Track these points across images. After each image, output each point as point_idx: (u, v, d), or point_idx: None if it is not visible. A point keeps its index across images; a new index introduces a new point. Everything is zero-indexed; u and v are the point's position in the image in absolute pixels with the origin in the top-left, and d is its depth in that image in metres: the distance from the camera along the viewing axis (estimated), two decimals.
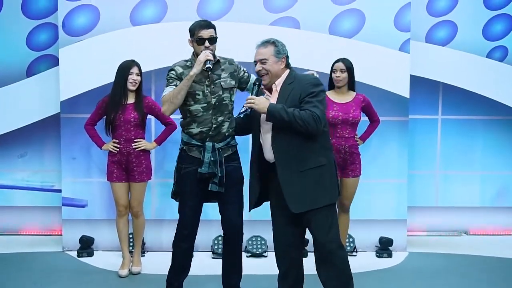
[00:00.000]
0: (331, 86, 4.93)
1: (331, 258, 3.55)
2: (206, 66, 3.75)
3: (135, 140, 4.76)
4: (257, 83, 3.66)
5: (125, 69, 4.70)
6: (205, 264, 5.05)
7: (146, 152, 4.83)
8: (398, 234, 5.53)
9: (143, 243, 5.23)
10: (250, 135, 3.90)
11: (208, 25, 3.87)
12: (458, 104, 5.97)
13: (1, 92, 5.73)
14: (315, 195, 3.52)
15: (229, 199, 3.95)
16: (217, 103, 3.86)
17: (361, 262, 5.18)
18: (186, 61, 3.95)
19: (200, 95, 3.86)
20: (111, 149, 4.77)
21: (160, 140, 4.92)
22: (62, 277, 4.77)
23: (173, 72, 3.88)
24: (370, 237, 5.53)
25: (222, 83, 3.90)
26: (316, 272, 3.66)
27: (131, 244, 5.16)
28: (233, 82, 3.96)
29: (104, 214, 5.48)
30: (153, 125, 5.41)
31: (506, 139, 6.07)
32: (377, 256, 5.42)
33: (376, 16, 5.43)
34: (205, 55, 3.76)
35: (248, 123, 3.86)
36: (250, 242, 5.36)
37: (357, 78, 5.06)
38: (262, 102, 3.51)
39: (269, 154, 3.63)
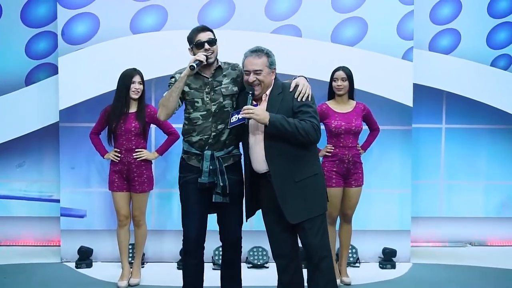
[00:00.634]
0: (331, 95, 4.96)
1: (321, 264, 3.65)
2: (190, 64, 3.69)
3: (136, 150, 4.82)
4: (251, 93, 3.67)
5: (127, 77, 4.76)
6: (205, 276, 5.04)
7: (148, 162, 4.88)
8: (402, 245, 5.55)
9: (143, 254, 5.25)
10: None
11: (205, 28, 3.90)
12: (462, 113, 6.03)
13: (0, 101, 5.79)
14: (310, 204, 3.65)
15: (229, 211, 3.91)
16: (217, 111, 3.83)
17: (364, 274, 5.21)
18: None
19: (199, 102, 3.84)
20: (112, 158, 4.83)
21: (162, 150, 4.96)
22: None
23: (173, 79, 3.87)
24: (373, 248, 5.57)
25: (223, 90, 3.86)
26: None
27: (131, 255, 5.21)
28: (235, 89, 3.89)
29: (103, 225, 5.52)
30: (154, 135, 5.45)
31: (511, 148, 6.11)
32: (380, 267, 5.45)
33: (379, 24, 5.49)
34: (196, 55, 3.75)
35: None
36: (251, 253, 5.41)
37: (360, 86, 5.11)
38: (262, 113, 3.55)
39: (259, 165, 3.70)
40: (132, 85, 4.75)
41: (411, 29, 5.50)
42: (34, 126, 5.82)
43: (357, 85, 4.98)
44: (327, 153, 4.86)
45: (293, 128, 3.53)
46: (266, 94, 3.70)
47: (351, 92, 4.93)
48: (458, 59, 5.95)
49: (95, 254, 5.49)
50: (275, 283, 3.96)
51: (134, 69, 4.82)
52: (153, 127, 5.29)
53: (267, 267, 5.36)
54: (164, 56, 5.33)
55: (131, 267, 5.01)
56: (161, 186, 5.45)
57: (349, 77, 4.88)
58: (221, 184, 3.81)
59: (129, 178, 4.84)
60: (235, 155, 3.94)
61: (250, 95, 3.67)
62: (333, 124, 4.82)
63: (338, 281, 4.87)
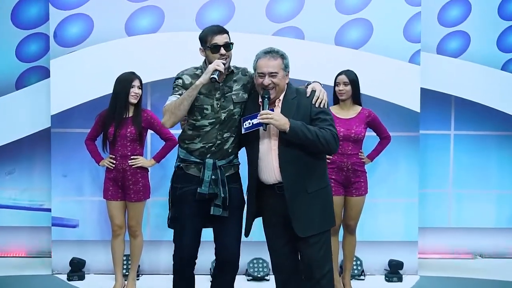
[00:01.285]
0: (336, 100, 4.94)
1: (323, 281, 3.62)
2: (211, 76, 3.58)
3: (132, 157, 4.83)
4: (266, 96, 3.58)
5: (127, 82, 4.77)
6: None
7: (144, 169, 4.89)
8: (409, 257, 5.55)
9: (138, 266, 5.23)
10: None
11: (222, 30, 3.77)
12: (471, 118, 6.04)
13: None
14: (322, 217, 3.63)
15: (228, 226, 3.80)
16: (226, 119, 3.73)
17: (369, 287, 5.21)
18: (196, 68, 3.81)
19: (208, 109, 3.71)
20: (107, 165, 4.84)
21: (159, 157, 4.97)
22: None
23: (180, 80, 3.74)
24: (379, 260, 5.57)
25: (234, 97, 3.76)
26: None
27: (125, 267, 5.21)
28: (245, 96, 3.80)
29: (97, 235, 5.52)
30: (149, 141, 5.45)
31: None
32: (386, 280, 5.45)
33: (385, 26, 5.50)
34: (215, 64, 3.61)
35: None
36: (251, 265, 5.40)
37: (365, 91, 5.12)
38: (282, 118, 3.48)
39: (268, 175, 3.63)
40: (131, 90, 4.77)
41: (418, 31, 5.52)
42: (25, 132, 5.83)
43: (361, 90, 4.96)
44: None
45: (314, 136, 3.48)
46: (280, 99, 3.65)
47: (356, 97, 4.91)
48: (467, 63, 5.97)
49: (87, 266, 5.48)
50: None
51: (133, 73, 4.84)
52: (149, 132, 5.26)
53: (268, 280, 5.36)
54: (161, 59, 5.35)
55: (125, 280, 5.02)
56: (157, 195, 5.42)
57: (352, 82, 4.86)
58: (222, 195, 3.71)
59: (124, 186, 4.84)
60: (235, 165, 3.87)
61: (266, 99, 3.56)
62: None
63: None
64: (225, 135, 3.75)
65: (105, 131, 4.82)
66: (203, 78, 3.61)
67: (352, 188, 4.87)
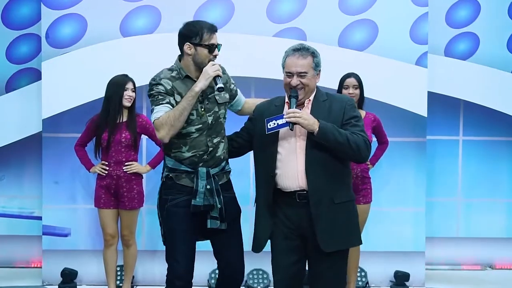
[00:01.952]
0: None
1: None
2: (218, 86, 3.45)
3: (126, 163, 4.84)
4: (294, 95, 3.43)
5: (120, 85, 4.79)
6: None
7: (138, 176, 4.91)
8: (416, 268, 5.56)
9: (132, 277, 5.23)
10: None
11: (216, 28, 3.62)
12: (481, 123, 6.05)
13: None
14: (348, 233, 3.46)
15: (229, 239, 3.66)
16: (213, 122, 3.60)
17: None
18: (171, 70, 3.61)
19: (193, 115, 3.55)
20: (98, 172, 4.86)
21: (154, 163, 4.99)
22: None
23: (161, 87, 3.52)
24: (384, 271, 5.57)
25: (217, 97, 3.62)
26: None
27: (119, 277, 5.22)
28: (227, 96, 3.70)
29: (89, 245, 5.52)
30: (145, 146, 5.47)
31: None
32: None
33: (390, 27, 5.52)
34: (214, 69, 3.48)
35: (249, 142, 3.68)
36: (250, 276, 5.43)
37: (369, 94, 5.14)
38: (311, 117, 3.32)
39: (291, 180, 3.41)
40: (125, 93, 4.79)
41: (425, 32, 5.54)
42: (15, 137, 5.84)
43: (366, 93, 4.99)
44: None
45: (345, 139, 3.32)
46: (310, 100, 3.51)
47: (361, 101, 4.95)
48: (476, 65, 5.98)
49: (79, 277, 5.48)
50: None
51: (126, 76, 4.87)
52: (145, 138, 5.30)
53: None
54: (157, 61, 5.20)
55: None
56: (152, 203, 5.26)
57: (360, 85, 4.91)
58: (219, 206, 3.56)
59: (118, 194, 4.86)
60: (227, 172, 3.75)
61: (294, 98, 3.41)
62: None
63: None
64: (215, 141, 3.61)
65: (98, 137, 4.83)
66: (203, 84, 3.46)
67: (359, 195, 4.88)
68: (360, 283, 5.47)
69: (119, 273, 5.25)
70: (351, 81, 4.89)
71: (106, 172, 4.84)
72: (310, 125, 3.30)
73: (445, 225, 6.11)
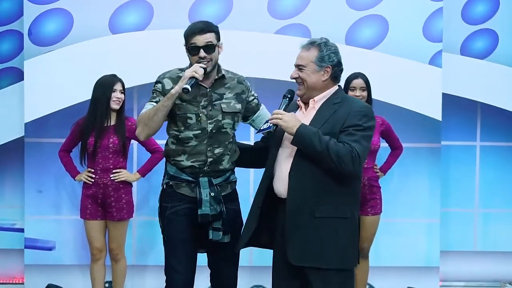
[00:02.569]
0: None
1: None
2: (184, 85, 3.45)
3: (114, 171, 4.79)
4: (289, 96, 3.46)
5: (107, 86, 4.76)
6: None
7: (127, 184, 4.86)
8: (429, 284, 5.57)
9: None
10: None
11: (204, 29, 3.59)
12: (499, 128, 6.02)
13: None
14: (324, 251, 3.31)
15: (225, 251, 3.68)
16: (214, 131, 3.60)
17: None
18: (180, 70, 3.68)
19: (192, 119, 3.59)
20: (84, 180, 4.81)
21: (144, 171, 4.95)
22: None
23: (159, 85, 3.65)
24: None
25: (223, 106, 3.63)
26: None
27: None
28: (238, 106, 3.68)
29: (75, 259, 5.50)
30: (136, 152, 5.43)
31: None
32: None
33: (402, 24, 5.51)
34: (192, 70, 3.50)
35: (266, 149, 3.63)
36: None
37: (378, 96, 5.12)
38: (292, 120, 3.28)
39: (278, 185, 3.43)
40: (113, 94, 4.76)
41: (440, 29, 5.52)
42: None
43: (375, 95, 4.96)
44: None
45: (324, 148, 3.20)
46: (314, 100, 3.42)
47: (368, 103, 4.89)
48: (494, 65, 5.92)
49: None
50: None
51: (114, 76, 4.83)
52: (134, 143, 5.25)
53: None
54: (149, 60, 5.33)
55: None
56: (142, 213, 5.44)
57: (368, 86, 4.88)
58: (225, 216, 3.58)
59: (105, 204, 4.81)
60: (232, 182, 3.75)
61: (287, 98, 3.45)
62: None
63: None
64: (216, 151, 3.61)
65: (83, 142, 4.79)
66: (179, 86, 3.50)
67: (367, 206, 4.88)
68: None
69: None
70: (358, 82, 4.84)
71: (93, 180, 4.79)
72: (289, 128, 3.27)
73: (461, 238, 6.05)
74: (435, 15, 5.50)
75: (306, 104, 3.45)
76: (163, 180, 3.76)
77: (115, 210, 4.80)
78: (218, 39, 3.65)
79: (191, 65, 3.62)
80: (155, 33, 5.40)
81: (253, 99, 3.81)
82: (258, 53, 5.41)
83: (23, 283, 5.59)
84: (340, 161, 3.21)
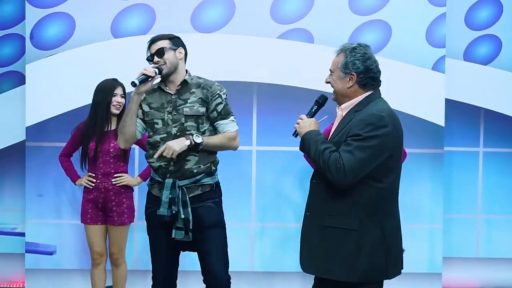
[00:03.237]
0: None
1: None
2: (132, 80, 3.77)
3: (115, 175, 4.79)
4: (319, 101, 3.52)
5: (107, 90, 4.76)
6: None
7: (128, 189, 4.86)
8: None
9: None
10: None
11: (155, 38, 3.97)
12: (503, 134, 6.00)
13: None
14: (329, 261, 3.28)
15: (208, 246, 3.93)
16: (178, 134, 3.86)
17: None
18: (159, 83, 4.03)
19: (159, 123, 3.91)
20: (85, 184, 4.81)
21: (145, 175, 4.92)
22: None
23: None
24: None
25: (186, 109, 3.89)
26: None
27: None
28: (201, 110, 3.91)
29: (76, 263, 5.50)
30: (137, 156, 5.44)
31: None
32: None
33: (405, 29, 5.50)
34: (143, 68, 3.83)
35: None
36: None
37: None
38: (305, 126, 3.37)
39: None
40: (113, 99, 4.76)
41: (443, 34, 5.51)
42: None
43: None
44: None
45: (316, 155, 3.23)
46: (341, 108, 3.38)
47: None
48: (498, 71, 5.92)
49: None
50: None
51: (115, 80, 4.83)
52: (135, 148, 5.25)
53: None
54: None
55: None
56: (143, 218, 5.35)
57: None
58: (183, 216, 3.82)
59: (106, 208, 4.80)
60: (206, 184, 3.94)
61: (316, 103, 3.53)
62: None
63: None
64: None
65: (84, 146, 4.79)
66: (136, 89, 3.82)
67: None
68: None
69: None
70: None
71: (93, 184, 4.79)
72: (300, 134, 3.39)
73: (464, 244, 6.04)
74: (439, 21, 5.49)
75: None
76: None
77: (116, 215, 4.79)
78: (176, 44, 3.94)
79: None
80: None
81: (217, 106, 3.91)
82: (260, 58, 5.41)
83: (23, 287, 5.58)
84: (326, 170, 3.19)
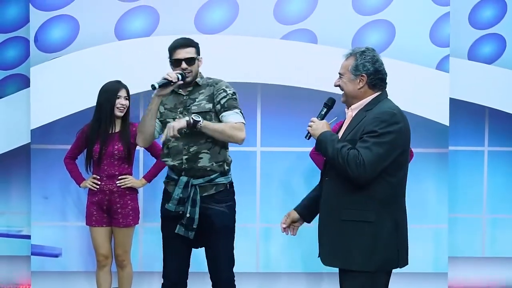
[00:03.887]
0: None
1: None
2: (152, 83, 3.84)
3: (120, 177, 4.79)
4: (328, 104, 3.60)
5: (111, 92, 4.76)
6: None
7: (133, 191, 4.86)
8: None
9: None
10: None
11: (184, 44, 4.03)
12: (507, 133, 6.00)
13: None
14: (349, 252, 3.41)
15: (217, 251, 4.06)
16: (187, 131, 3.91)
17: None
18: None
19: (171, 123, 3.95)
20: (89, 187, 4.81)
21: (150, 176, 4.95)
22: None
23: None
24: None
25: (194, 107, 4.00)
26: None
27: None
28: (208, 106, 4.02)
29: (81, 266, 5.51)
30: (141, 158, 5.44)
31: None
32: None
33: (409, 28, 5.50)
34: (167, 73, 3.90)
35: None
36: None
37: None
38: (318, 128, 3.48)
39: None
40: (117, 101, 4.76)
41: (447, 34, 5.51)
42: (1, 149, 5.78)
43: None
44: None
45: (334, 154, 3.33)
46: (351, 109, 3.50)
47: None
48: (502, 70, 5.91)
49: None
50: None
51: (119, 82, 4.83)
52: (140, 149, 5.26)
53: None
54: (155, 66, 5.27)
55: None
56: (148, 219, 5.41)
57: None
58: (188, 215, 3.93)
59: (111, 210, 4.81)
60: (220, 184, 4.04)
61: (325, 105, 3.60)
62: None
63: None
64: (192, 149, 3.95)
65: (89, 149, 4.79)
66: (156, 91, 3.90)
67: None
68: None
69: None
70: None
71: (98, 186, 4.79)
72: (314, 135, 3.48)
73: (470, 243, 6.03)
74: (442, 20, 5.49)
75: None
76: None
77: (121, 217, 4.80)
78: (198, 53, 4.07)
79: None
80: (161, 39, 5.29)
81: (221, 99, 4.01)
82: (264, 59, 5.41)
83: None
84: (347, 166, 3.30)
